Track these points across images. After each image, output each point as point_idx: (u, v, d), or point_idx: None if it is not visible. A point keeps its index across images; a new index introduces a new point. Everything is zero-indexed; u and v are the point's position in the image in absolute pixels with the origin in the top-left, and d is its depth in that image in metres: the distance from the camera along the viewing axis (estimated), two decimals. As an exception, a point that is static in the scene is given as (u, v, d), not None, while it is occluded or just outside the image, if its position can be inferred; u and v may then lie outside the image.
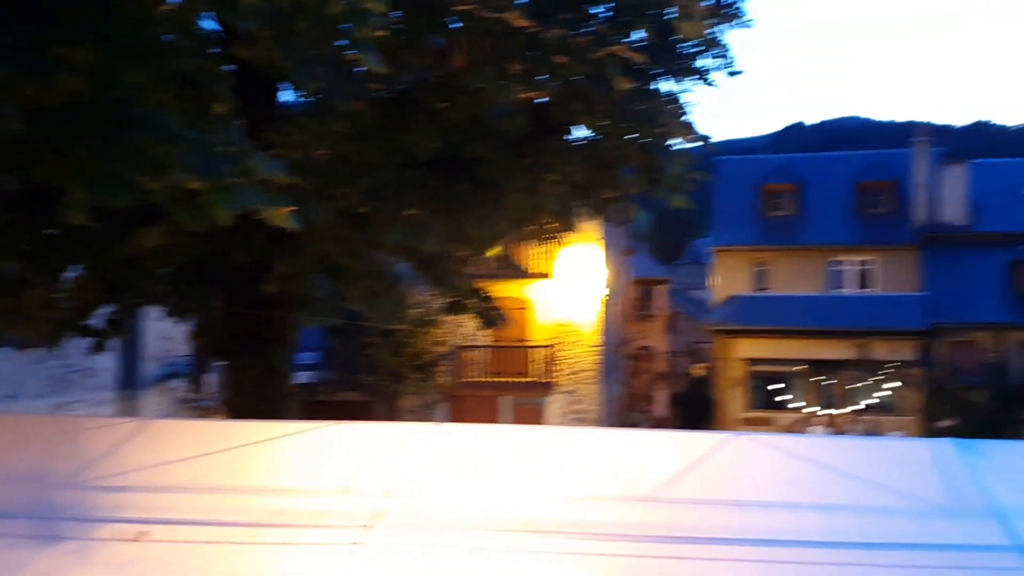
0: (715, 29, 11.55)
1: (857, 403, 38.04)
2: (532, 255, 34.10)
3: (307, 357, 33.27)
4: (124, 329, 12.50)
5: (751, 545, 4.95)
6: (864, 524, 5.11)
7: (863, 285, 43.31)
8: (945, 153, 45.64)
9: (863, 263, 43.50)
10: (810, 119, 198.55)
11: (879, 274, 43.19)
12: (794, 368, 39.21)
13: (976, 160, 45.30)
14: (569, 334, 36.11)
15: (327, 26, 7.29)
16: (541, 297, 35.90)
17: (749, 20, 12.02)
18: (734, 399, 40.05)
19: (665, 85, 11.68)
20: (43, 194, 8.39)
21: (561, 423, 34.75)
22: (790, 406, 39.04)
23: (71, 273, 11.65)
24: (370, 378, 35.53)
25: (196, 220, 6.46)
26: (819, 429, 36.57)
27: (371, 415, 33.96)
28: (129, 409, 25.71)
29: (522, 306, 35.02)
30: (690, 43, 11.36)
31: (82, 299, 11.78)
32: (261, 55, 8.02)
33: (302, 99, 10.92)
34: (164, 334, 25.63)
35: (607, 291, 37.18)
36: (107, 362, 24.15)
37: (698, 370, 65.90)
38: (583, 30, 10.31)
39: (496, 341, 35.13)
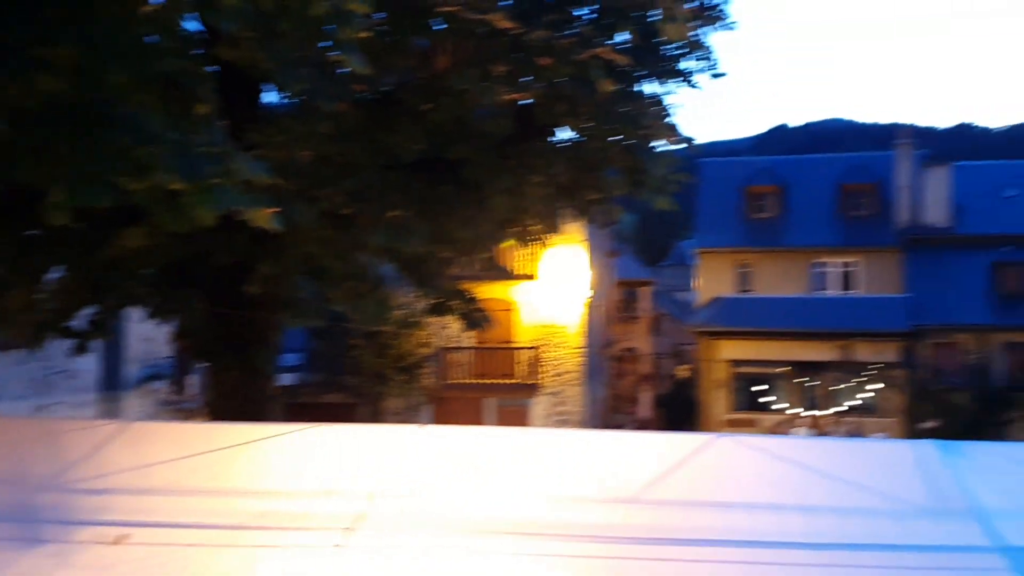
0: (699, 31, 11.58)
1: (840, 404, 38.17)
2: (517, 256, 34.10)
3: (291, 359, 33.18)
4: (106, 331, 12.43)
5: (734, 546, 4.96)
6: (847, 525, 5.12)
7: (846, 287, 43.50)
8: (928, 155, 45.88)
9: (846, 265, 43.68)
10: (794, 121, 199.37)
11: (862, 276, 43.37)
12: (778, 370, 39.32)
13: (959, 162, 45.55)
14: (553, 336, 36.14)
15: (310, 27, 7.28)
16: (526, 299, 35.92)
17: (733, 22, 12.06)
18: (718, 401, 40.13)
19: (649, 87, 11.71)
20: (25, 195, 8.33)
21: (545, 425, 34.76)
22: (774, 408, 39.14)
23: (53, 274, 11.58)
24: (354, 380, 35.46)
25: (178, 221, 6.43)
26: (803, 430, 36.67)
27: (355, 417, 33.88)
28: (111, 411, 25.57)
29: (507, 307, 35.02)
30: (674, 45, 11.38)
31: (64, 300, 11.71)
32: (244, 56, 8.00)
33: (285, 100, 10.89)
34: (147, 336, 25.49)
35: (591, 293, 37.21)
36: (89, 364, 24.02)
37: (682, 372, 66.01)
38: (567, 32, 10.32)
39: (481, 343, 35.14)
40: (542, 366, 35.76)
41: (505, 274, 33.90)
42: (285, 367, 31.69)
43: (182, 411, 27.94)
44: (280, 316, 12.42)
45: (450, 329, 33.51)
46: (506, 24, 9.78)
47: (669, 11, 10.40)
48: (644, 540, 5.05)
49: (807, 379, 38.85)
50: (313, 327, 23.10)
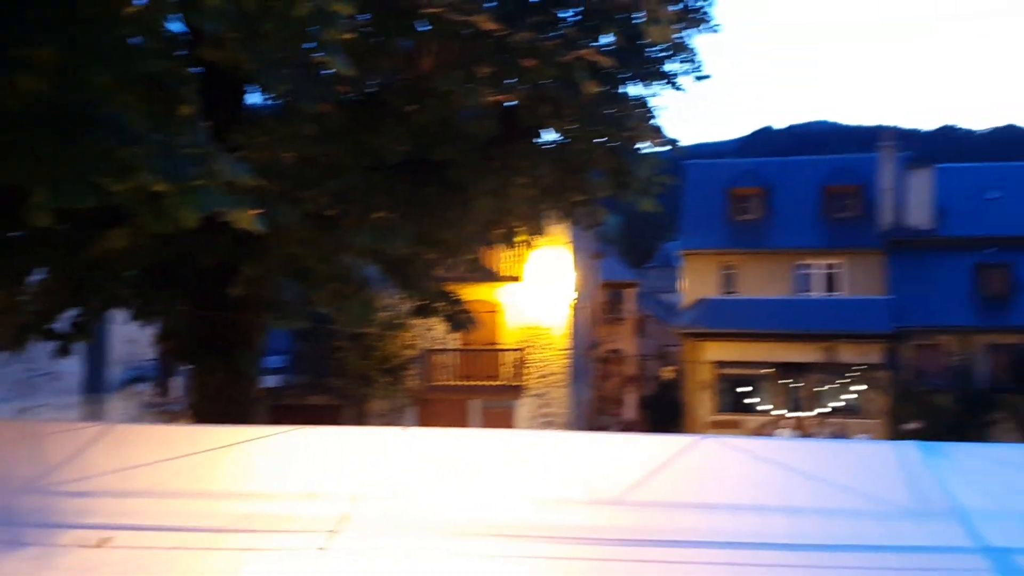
0: (683, 34, 11.60)
1: (824, 406, 38.30)
2: (502, 258, 34.09)
3: (275, 361, 33.08)
4: (89, 332, 12.37)
5: (718, 548, 4.96)
6: (830, 526, 5.14)
7: (830, 289, 43.66)
8: (911, 157, 46.10)
9: (830, 267, 43.85)
10: (779, 123, 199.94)
11: (846, 277, 43.54)
12: (762, 371, 39.42)
13: (942, 164, 45.77)
14: (539, 337, 36.15)
15: (294, 28, 7.26)
16: (511, 300, 35.92)
17: (717, 25, 12.08)
18: (703, 402, 40.21)
19: (633, 89, 11.73)
20: (7, 196, 8.29)
21: (530, 426, 34.76)
22: (758, 409, 39.24)
23: (36, 276, 11.53)
24: (339, 382, 35.40)
25: (162, 222, 6.41)
26: (787, 432, 36.79)
27: (340, 419, 33.81)
28: (95, 413, 25.46)
29: (492, 309, 35.02)
30: (658, 47, 11.40)
31: (47, 302, 11.65)
32: (228, 57, 7.98)
33: (269, 101, 10.87)
34: (130, 338, 25.40)
35: (576, 294, 37.25)
36: (73, 366, 23.91)
37: (667, 373, 66.12)
38: (551, 34, 10.33)
39: (466, 344, 35.13)
40: (527, 368, 35.78)
41: (490, 276, 33.89)
42: (269, 369, 31.59)
43: (166, 413, 27.84)
44: (264, 318, 12.39)
45: (435, 331, 33.50)
46: (490, 26, 9.79)
47: (653, 13, 10.41)
48: (628, 542, 5.05)
49: (791, 380, 38.96)
50: (297, 329, 23.06)
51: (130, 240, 9.57)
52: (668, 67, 11.71)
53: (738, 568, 4.84)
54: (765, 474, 5.73)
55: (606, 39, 11.00)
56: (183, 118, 6.67)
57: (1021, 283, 39.46)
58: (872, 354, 38.20)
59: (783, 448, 6.93)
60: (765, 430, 37.33)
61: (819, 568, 4.82)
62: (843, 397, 38.14)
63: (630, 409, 57.10)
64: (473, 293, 28.45)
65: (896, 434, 33.82)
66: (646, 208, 12.37)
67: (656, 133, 11.58)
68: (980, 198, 44.22)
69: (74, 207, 6.23)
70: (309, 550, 5.06)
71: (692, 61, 11.77)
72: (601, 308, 54.76)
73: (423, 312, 13.71)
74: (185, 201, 6.17)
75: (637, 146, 11.81)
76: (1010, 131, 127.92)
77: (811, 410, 38.29)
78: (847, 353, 37.97)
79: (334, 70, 8.05)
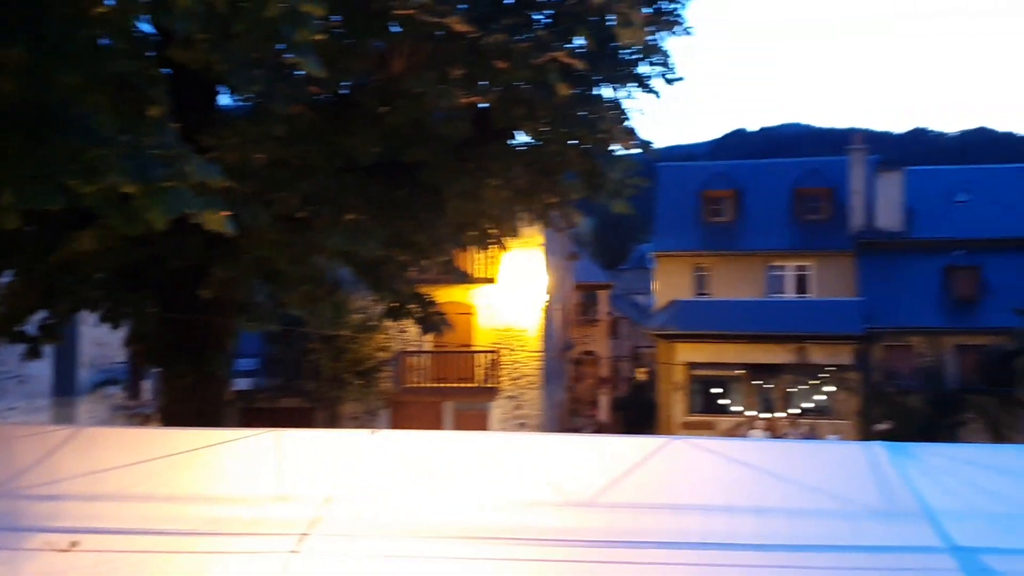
0: (655, 36, 11.62)
1: (796, 407, 38.51)
2: (475, 260, 34.06)
3: (246, 363, 32.93)
4: (58, 335, 12.28)
5: (687, 548, 4.99)
6: (799, 526, 5.17)
7: (801, 290, 43.91)
8: (882, 160, 46.45)
9: (801, 268, 44.10)
10: (751, 126, 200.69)
11: (817, 279, 43.80)
12: (734, 372, 39.57)
13: (912, 167, 46.13)
14: (512, 339, 36.16)
15: (265, 29, 7.22)
16: (485, 302, 35.91)
17: (690, 27, 12.11)
18: (676, 403, 40.31)
19: (606, 92, 11.74)
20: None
21: (504, 428, 34.76)
22: (731, 410, 39.40)
23: (3, 278, 11.43)
24: (311, 384, 35.26)
25: (131, 224, 6.36)
26: (759, 433, 36.96)
27: (312, 422, 33.69)
28: (65, 416, 25.26)
29: (466, 311, 35.00)
30: (630, 50, 11.41)
31: (15, 304, 11.55)
32: (198, 58, 7.94)
33: (240, 102, 10.81)
34: (100, 340, 25.24)
35: (549, 296, 37.28)
36: (42, 369, 23.70)
37: (640, 375, 66.34)
38: (524, 36, 10.32)
39: (439, 346, 35.08)
40: (501, 370, 35.77)
41: (464, 278, 33.83)
42: (240, 372, 31.46)
43: (136, 416, 27.66)
44: (235, 320, 12.33)
45: (408, 333, 33.44)
46: (463, 27, 9.78)
47: (625, 16, 10.41)
48: (598, 543, 5.07)
49: (763, 382, 39.14)
50: (269, 331, 22.93)
51: (99, 242, 9.50)
52: (641, 69, 11.72)
53: (708, 569, 4.87)
54: (735, 475, 5.76)
55: (579, 41, 11.01)
56: (153, 119, 6.63)
57: (990, 285, 39.82)
58: (843, 355, 38.43)
59: (753, 449, 6.96)
60: (738, 431, 37.48)
61: (789, 568, 4.85)
62: (814, 398, 38.37)
63: (603, 411, 57.22)
64: (446, 295, 28.43)
65: (866, 435, 34.01)
66: (619, 210, 12.39)
67: (629, 135, 11.60)
68: (950, 201, 44.61)
69: (42, 208, 6.18)
70: (281, 553, 5.04)
71: (664, 63, 11.78)
72: (575, 310, 54.87)
73: (396, 314, 13.66)
74: (155, 203, 6.13)
75: (610, 148, 11.82)
76: (980, 134, 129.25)
77: (783, 411, 38.49)
78: (818, 354, 38.18)
79: (305, 71, 8.01)
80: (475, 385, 35.53)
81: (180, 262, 10.74)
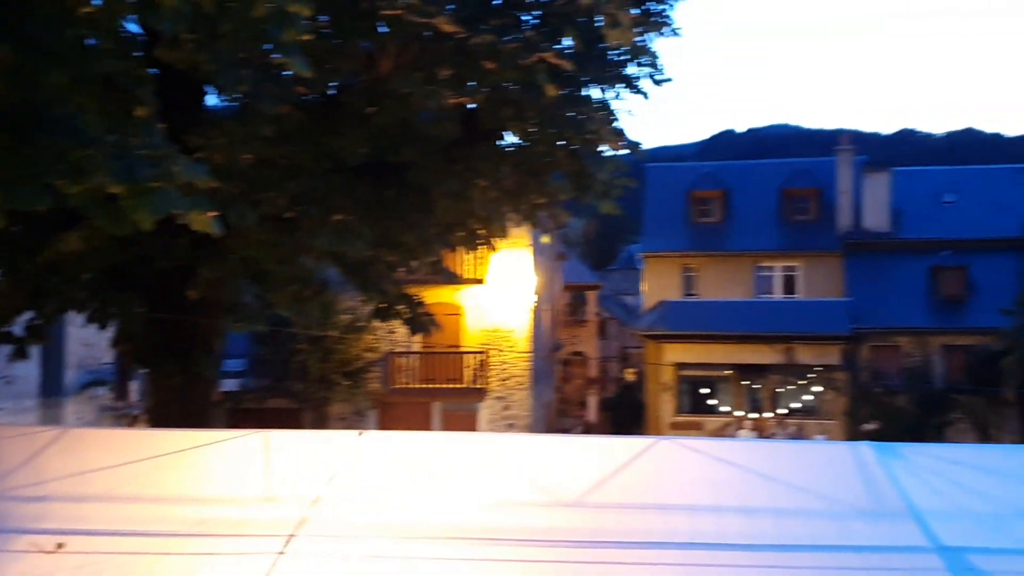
0: (644, 37, 11.64)
1: (783, 407, 38.60)
2: (464, 261, 34.04)
3: (234, 364, 32.84)
4: (45, 335, 12.23)
5: (674, 548, 4.99)
6: (786, 527, 5.18)
7: (789, 291, 44.01)
8: (869, 160, 46.58)
9: (789, 269, 44.20)
10: (739, 127, 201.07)
11: (804, 280, 43.91)
12: (723, 373, 39.64)
13: (900, 168, 46.28)
14: (501, 340, 36.13)
15: (252, 29, 7.21)
16: (473, 303, 35.88)
17: (678, 28, 12.13)
18: (664, 404, 40.35)
19: (595, 92, 11.75)
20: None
21: (493, 429, 34.74)
22: (719, 410, 39.47)
23: (-11, 279, 11.38)
24: (299, 385, 35.17)
25: (117, 224, 6.34)
26: (747, 433, 37.03)
27: (300, 422, 33.62)
28: (51, 417, 25.15)
29: (454, 312, 34.97)
30: (619, 51, 11.43)
31: (1, 305, 11.50)
32: (185, 58, 7.92)
33: (227, 102, 10.79)
34: (87, 341, 25.14)
35: (538, 297, 37.27)
36: (29, 369, 23.60)
37: (629, 375, 66.39)
38: (512, 37, 10.32)
39: (428, 347, 35.03)
40: (489, 370, 35.75)
41: (452, 278, 33.81)
42: (228, 372, 31.39)
43: (124, 417, 27.56)
44: (223, 321, 12.30)
45: (397, 333, 33.39)
46: (450, 28, 9.77)
47: (613, 17, 10.43)
48: (586, 543, 5.07)
49: (751, 382, 39.22)
50: (256, 331, 22.86)
51: (86, 242, 9.47)
52: (629, 70, 11.74)
53: (696, 569, 4.88)
54: (723, 475, 5.77)
55: (567, 42, 11.01)
56: (139, 119, 6.61)
57: (977, 285, 39.97)
58: (830, 355, 38.52)
59: (740, 449, 6.97)
60: (725, 431, 37.54)
61: (776, 568, 4.86)
62: (802, 398, 38.46)
63: (592, 411, 57.25)
64: (435, 296, 28.43)
65: (854, 435, 34.10)
66: (607, 211, 12.41)
67: (617, 136, 11.61)
68: (937, 201, 44.76)
69: (29, 209, 6.16)
70: (268, 554, 5.03)
71: (652, 64, 11.80)
72: (563, 310, 54.89)
73: (384, 315, 13.64)
74: (141, 203, 6.11)
75: (598, 149, 11.83)
76: (967, 135, 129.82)
77: (770, 411, 38.57)
78: (806, 355, 38.27)
79: (293, 71, 8.00)
80: (463, 386, 35.49)
81: (167, 262, 10.71)
